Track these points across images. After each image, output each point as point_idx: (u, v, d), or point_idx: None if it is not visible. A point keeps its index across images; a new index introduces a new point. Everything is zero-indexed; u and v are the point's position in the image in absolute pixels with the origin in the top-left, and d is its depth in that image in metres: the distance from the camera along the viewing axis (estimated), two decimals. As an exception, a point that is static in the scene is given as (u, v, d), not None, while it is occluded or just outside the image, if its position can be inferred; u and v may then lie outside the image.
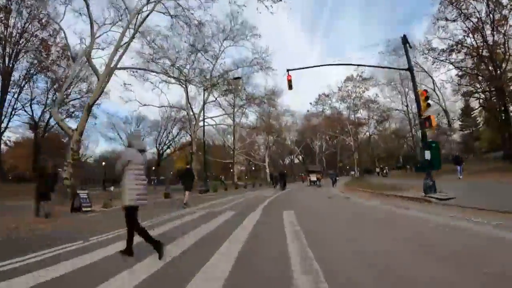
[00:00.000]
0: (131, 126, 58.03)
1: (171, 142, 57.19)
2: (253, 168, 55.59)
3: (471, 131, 57.09)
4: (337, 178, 25.79)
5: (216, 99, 27.40)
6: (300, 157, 70.97)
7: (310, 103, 44.15)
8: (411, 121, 38.72)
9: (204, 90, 22.03)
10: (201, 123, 27.99)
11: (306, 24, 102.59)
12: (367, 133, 49.93)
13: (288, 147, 58.45)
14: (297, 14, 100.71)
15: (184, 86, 26.52)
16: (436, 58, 31.14)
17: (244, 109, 31.76)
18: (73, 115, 38.21)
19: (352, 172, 44.97)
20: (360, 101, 42.04)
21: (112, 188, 33.05)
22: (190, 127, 27.40)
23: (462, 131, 58.90)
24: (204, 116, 22.20)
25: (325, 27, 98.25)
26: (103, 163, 51.69)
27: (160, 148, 57.97)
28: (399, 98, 39.77)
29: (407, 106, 37.57)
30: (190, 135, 27.53)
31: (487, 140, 53.49)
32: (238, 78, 23.14)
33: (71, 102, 37.25)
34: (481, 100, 38.27)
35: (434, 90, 31.86)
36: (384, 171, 32.50)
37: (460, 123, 56.45)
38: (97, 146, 79.60)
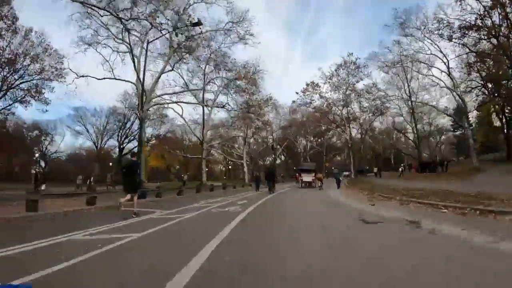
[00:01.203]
0: (100, 119, 49.11)
1: (134, 134, 48.40)
2: (230, 167, 48.41)
3: (463, 131, 54.20)
4: (340, 178, 20.50)
5: (172, 68, 19.87)
6: (283, 156, 64.88)
7: (297, 93, 37.54)
8: (414, 113, 33.41)
9: (144, 44, 14.64)
10: (154, 100, 20.62)
11: (287, 29, 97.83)
12: (359, 130, 44.51)
13: (269, 145, 51.81)
14: (278, 19, 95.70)
15: (129, 47, 19.07)
16: (451, 37, 25.87)
17: (213, 83, 24.46)
18: (23, 100, 29.74)
19: (346, 173, 39.10)
20: (353, 92, 36.15)
21: (43, 187, 25.52)
22: (139, 107, 19.80)
23: (454, 131, 55.88)
24: (142, 85, 14.81)
25: (306, 32, 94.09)
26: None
27: (121, 141, 49.10)
28: (397, 90, 34.52)
29: (409, 95, 32.15)
30: (138, 118, 19.87)
31: (480, 141, 51.29)
32: (199, 23, 15.94)
33: (21, 85, 28.89)
34: (481, 97, 33.97)
35: (449, 75, 26.49)
36: (400, 169, 26.28)
37: (451, 123, 53.36)
38: (62, 140, 66.23)
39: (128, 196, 7.09)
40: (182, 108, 30.05)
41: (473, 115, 52.66)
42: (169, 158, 54.13)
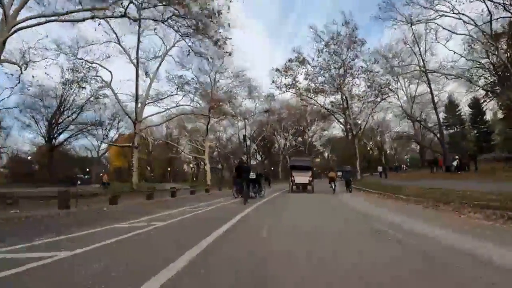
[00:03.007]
0: (52, 108, 35.93)
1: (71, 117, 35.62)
2: (193, 166, 38.30)
3: (456, 129, 49.61)
4: (351, 178, 16.54)
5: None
6: (259, 156, 56.56)
7: (277, 69, 27.75)
8: (433, 96, 25.88)
9: None
10: (18, 26, 10.52)
11: (270, 29, 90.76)
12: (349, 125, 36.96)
13: (241, 140, 42.81)
14: (261, 19, 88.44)
15: None
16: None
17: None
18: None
19: (340, 173, 30.86)
20: (348, 72, 28.06)
21: None
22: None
23: (447, 129, 50.87)
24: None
25: (289, 33, 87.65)
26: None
27: (54, 130, 35.27)
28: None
29: (424, 64, 24.56)
30: None
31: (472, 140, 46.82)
32: None
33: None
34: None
35: (491, 36, 18.87)
36: (455, 163, 17.24)
37: (443, 120, 48.37)
38: (7, 135, 46.96)
39: None
40: (111, 73, 19.80)
41: (465, 112, 48.46)
42: (130, 156, 44.51)
